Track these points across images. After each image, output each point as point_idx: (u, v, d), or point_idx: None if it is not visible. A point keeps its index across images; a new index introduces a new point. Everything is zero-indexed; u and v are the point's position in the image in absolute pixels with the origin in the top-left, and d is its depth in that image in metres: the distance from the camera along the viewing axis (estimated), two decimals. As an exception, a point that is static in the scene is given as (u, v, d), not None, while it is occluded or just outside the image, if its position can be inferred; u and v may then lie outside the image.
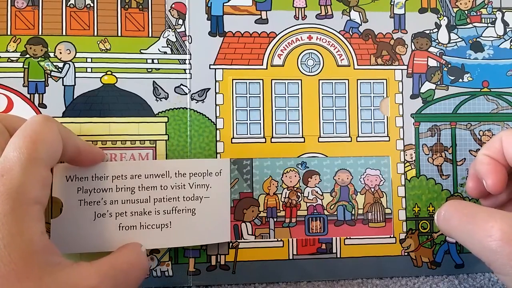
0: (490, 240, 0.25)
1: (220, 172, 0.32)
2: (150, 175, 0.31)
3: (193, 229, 0.31)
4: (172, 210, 0.31)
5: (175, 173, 0.31)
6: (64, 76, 0.34)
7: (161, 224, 0.31)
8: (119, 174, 0.30)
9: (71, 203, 0.30)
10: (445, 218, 0.29)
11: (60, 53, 0.34)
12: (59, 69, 0.34)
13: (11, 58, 0.33)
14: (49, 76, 0.34)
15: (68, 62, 0.34)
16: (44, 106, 0.33)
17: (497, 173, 0.29)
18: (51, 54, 0.34)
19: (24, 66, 0.33)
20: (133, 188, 0.30)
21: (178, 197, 0.31)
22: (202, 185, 0.32)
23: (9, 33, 0.33)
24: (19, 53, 0.33)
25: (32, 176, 0.23)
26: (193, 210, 0.31)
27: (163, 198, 0.31)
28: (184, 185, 0.31)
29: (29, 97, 0.33)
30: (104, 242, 0.30)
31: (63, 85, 0.34)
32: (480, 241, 0.26)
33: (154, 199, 0.31)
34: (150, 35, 0.35)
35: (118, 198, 0.30)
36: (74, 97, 0.34)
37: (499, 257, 0.25)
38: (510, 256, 0.24)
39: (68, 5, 0.34)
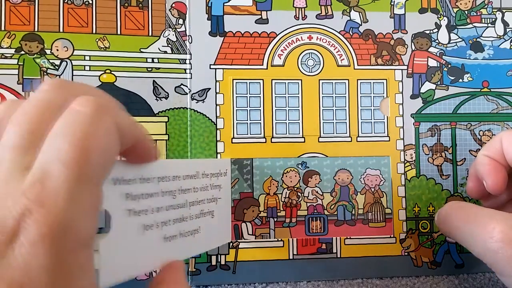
0: (491, 242, 0.25)
1: (226, 172, 0.32)
2: (186, 176, 0.26)
3: (212, 231, 0.29)
4: (200, 213, 0.28)
5: (202, 174, 0.28)
6: (61, 74, 0.33)
7: (193, 230, 0.27)
8: (163, 175, 0.25)
9: (119, 214, 0.22)
10: (445, 219, 0.29)
11: (57, 50, 0.33)
12: (56, 67, 0.33)
13: (5, 55, 0.33)
14: (45, 73, 0.33)
15: (66, 60, 0.33)
16: (42, 105, 0.33)
17: (497, 173, 0.29)
18: (48, 51, 0.33)
19: (19, 63, 0.33)
20: (174, 192, 0.25)
21: (204, 200, 0.28)
22: (217, 185, 0.30)
23: (3, 28, 0.33)
24: (14, 50, 0.33)
25: (83, 206, 0.16)
26: (212, 212, 0.29)
27: (195, 201, 0.27)
28: (207, 186, 0.29)
29: (23, 95, 0.33)
30: (150, 260, 0.24)
31: (60, 83, 0.33)
32: (481, 242, 0.26)
33: (189, 202, 0.27)
34: (150, 34, 0.35)
35: (162, 204, 0.24)
36: (73, 95, 0.33)
37: (500, 258, 0.25)
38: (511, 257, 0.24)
39: (65, 1, 0.34)
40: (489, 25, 0.38)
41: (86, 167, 0.16)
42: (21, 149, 0.17)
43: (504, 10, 0.38)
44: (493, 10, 0.38)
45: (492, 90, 0.37)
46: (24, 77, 0.33)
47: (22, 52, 0.33)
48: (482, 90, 0.37)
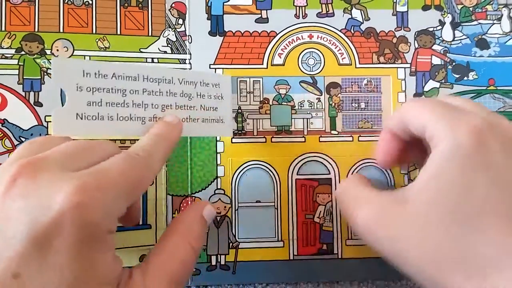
0: (357, 230, 0.27)
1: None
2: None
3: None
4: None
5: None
6: None
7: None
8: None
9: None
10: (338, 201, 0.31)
11: (57, 50, 0.33)
12: None
13: (5, 55, 0.33)
14: (45, 73, 0.33)
15: None
16: (40, 105, 0.33)
17: (388, 148, 0.30)
18: (48, 51, 0.33)
19: (19, 63, 0.33)
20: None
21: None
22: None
23: (3, 29, 0.33)
24: (14, 50, 0.33)
25: (118, 209, 0.22)
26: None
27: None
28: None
29: (24, 95, 0.33)
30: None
31: (60, 82, 0.33)
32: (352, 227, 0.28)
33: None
34: (150, 34, 0.35)
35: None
36: (72, 95, 0.33)
37: (367, 243, 0.27)
38: (375, 241, 0.26)
39: (66, 1, 0.34)
40: (495, 21, 0.37)
41: (134, 190, 0.23)
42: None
43: (510, 7, 0.37)
44: (499, 6, 0.37)
45: (498, 88, 0.36)
46: (24, 77, 0.33)
47: (23, 53, 0.33)
48: (488, 88, 0.36)
